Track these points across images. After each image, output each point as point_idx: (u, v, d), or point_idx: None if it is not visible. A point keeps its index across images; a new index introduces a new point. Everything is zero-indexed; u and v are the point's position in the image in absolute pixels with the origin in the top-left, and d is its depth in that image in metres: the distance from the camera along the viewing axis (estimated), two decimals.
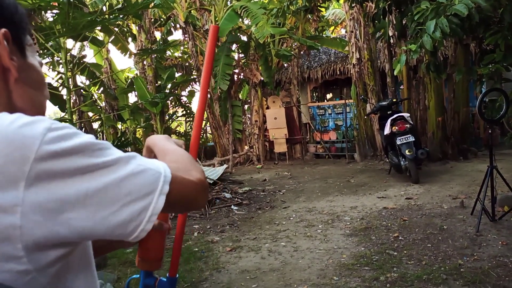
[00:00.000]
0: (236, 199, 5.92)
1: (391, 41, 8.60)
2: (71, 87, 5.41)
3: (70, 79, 5.83)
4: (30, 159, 0.50)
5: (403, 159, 6.09)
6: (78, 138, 0.55)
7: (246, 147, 11.52)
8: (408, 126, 6.13)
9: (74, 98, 10.81)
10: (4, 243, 0.50)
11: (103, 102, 12.45)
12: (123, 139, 5.36)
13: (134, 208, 0.56)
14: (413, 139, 5.98)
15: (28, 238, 0.51)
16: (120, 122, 12.63)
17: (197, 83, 12.91)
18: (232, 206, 5.56)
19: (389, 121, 6.31)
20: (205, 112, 12.54)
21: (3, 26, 0.60)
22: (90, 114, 12.43)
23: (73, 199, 0.52)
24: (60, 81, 7.40)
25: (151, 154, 0.83)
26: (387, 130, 6.34)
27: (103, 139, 13.11)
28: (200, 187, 0.65)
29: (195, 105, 16.00)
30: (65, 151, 0.52)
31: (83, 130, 11.99)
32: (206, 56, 0.92)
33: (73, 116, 5.57)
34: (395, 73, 5.56)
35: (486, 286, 2.59)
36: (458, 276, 2.78)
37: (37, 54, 0.71)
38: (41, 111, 0.68)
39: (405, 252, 3.33)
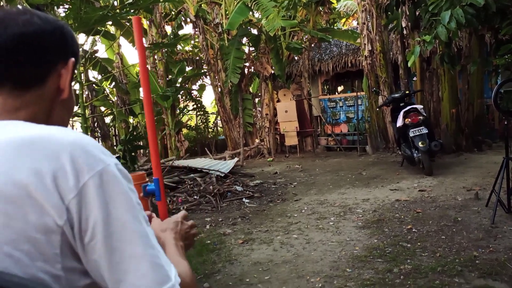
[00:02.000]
0: (248, 192, 5.93)
1: (404, 32, 8.47)
2: (83, 82, 5.46)
3: (82, 74, 5.88)
4: None
5: (416, 151, 6.02)
6: None
7: (257, 140, 11.52)
8: (421, 118, 6.05)
9: (86, 92, 10.91)
10: None
11: (115, 97, 12.55)
12: (135, 133, 5.39)
13: None
14: (427, 131, 5.91)
15: None
16: (131, 117, 12.72)
17: (208, 77, 12.91)
18: (244, 199, 5.57)
19: (402, 113, 6.23)
20: (216, 106, 12.57)
21: (73, 55, 0.73)
22: (102, 108, 12.54)
23: None
24: None
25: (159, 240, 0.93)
26: (399, 122, 6.27)
27: (115, 133, 13.24)
28: None
29: (205, 99, 16.01)
30: None
31: (95, 124, 12.14)
32: (137, 48, 1.01)
33: (86, 110, 5.63)
34: (409, 65, 5.47)
35: (502, 278, 2.56)
36: (473, 267, 2.75)
37: None
38: None
39: (419, 244, 3.31)
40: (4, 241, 0.55)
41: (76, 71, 0.80)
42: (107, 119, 13.15)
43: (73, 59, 0.72)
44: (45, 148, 0.59)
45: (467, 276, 2.65)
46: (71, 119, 0.78)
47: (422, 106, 6.55)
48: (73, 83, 0.83)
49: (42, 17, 0.68)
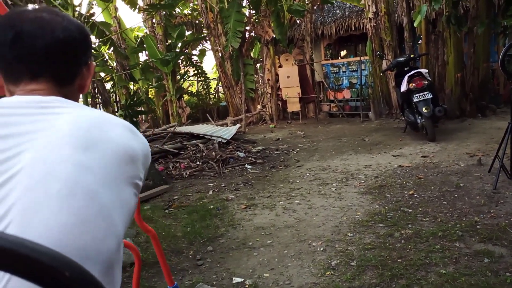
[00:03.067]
0: (250, 158, 5.94)
1: None
2: None
3: None
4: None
5: (420, 117, 5.95)
6: None
7: (259, 107, 11.43)
8: (426, 82, 5.94)
9: None
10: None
11: (114, 62, 12.35)
12: (135, 99, 5.33)
13: None
14: (431, 96, 5.81)
15: None
16: (132, 82, 12.58)
17: (208, 41, 12.63)
18: (246, 165, 5.58)
19: (406, 77, 6.12)
20: (217, 71, 12.38)
21: (92, 59, 0.87)
22: (102, 74, 12.37)
23: None
24: None
25: None
26: (403, 87, 6.16)
27: (116, 99, 13.14)
28: None
29: (206, 65, 15.78)
30: None
31: (95, 90, 12.01)
32: None
33: None
34: (414, 25, 5.30)
35: (502, 243, 2.58)
36: (474, 232, 2.77)
37: None
38: None
39: (420, 209, 3.33)
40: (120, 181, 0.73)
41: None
42: (108, 85, 13.02)
43: (94, 63, 0.87)
44: (141, 137, 0.82)
45: (468, 241, 2.68)
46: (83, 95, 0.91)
47: (427, 70, 6.42)
48: None
49: (74, 23, 0.81)
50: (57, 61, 0.78)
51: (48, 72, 0.78)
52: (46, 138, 0.69)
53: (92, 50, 0.91)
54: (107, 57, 12.57)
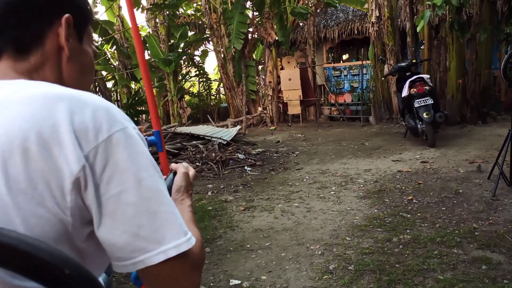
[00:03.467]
0: (250, 160, 5.94)
1: None
2: None
3: None
4: None
5: (420, 122, 5.96)
6: None
7: (260, 109, 11.44)
8: (427, 88, 5.95)
9: None
10: None
11: (116, 61, 12.37)
12: (136, 98, 5.34)
13: (136, 243, 0.59)
14: (432, 102, 5.82)
15: None
16: (133, 82, 12.59)
17: (210, 42, 12.65)
18: (246, 167, 5.59)
19: (407, 82, 6.12)
20: (219, 72, 12.39)
21: (69, 12, 0.70)
22: (104, 73, 12.39)
23: None
24: None
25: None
26: (405, 92, 6.17)
27: (117, 98, 13.16)
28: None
29: (208, 66, 15.82)
30: None
31: (97, 89, 12.03)
32: (132, 27, 0.99)
33: None
34: (417, 30, 5.30)
35: (500, 250, 2.58)
36: (472, 239, 2.77)
37: (94, 43, 0.82)
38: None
39: (419, 214, 3.33)
40: (22, 179, 0.56)
41: (92, 33, 0.81)
42: (109, 84, 13.03)
43: (67, 15, 0.69)
44: (71, 103, 0.59)
45: (466, 247, 2.68)
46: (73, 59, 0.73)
47: (428, 76, 6.43)
48: (90, 41, 0.79)
49: None
50: (5, 25, 0.66)
51: (6, 43, 0.67)
52: None
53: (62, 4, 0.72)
54: (109, 56, 12.59)
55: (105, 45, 11.48)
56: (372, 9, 8.76)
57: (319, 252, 2.79)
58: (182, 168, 0.94)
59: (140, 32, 13.72)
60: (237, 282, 2.48)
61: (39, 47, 0.68)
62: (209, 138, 6.75)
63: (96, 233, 0.60)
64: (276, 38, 10.34)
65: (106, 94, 12.19)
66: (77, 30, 0.73)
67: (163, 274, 0.61)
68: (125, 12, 11.37)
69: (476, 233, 2.87)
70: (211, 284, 2.49)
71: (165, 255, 0.59)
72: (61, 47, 0.70)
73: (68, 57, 0.71)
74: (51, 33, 0.68)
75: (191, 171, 0.96)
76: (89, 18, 0.77)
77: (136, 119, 5.30)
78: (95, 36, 11.15)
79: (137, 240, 0.59)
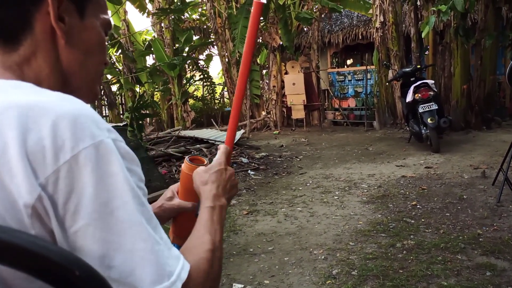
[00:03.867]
0: (253, 164, 5.95)
1: (418, 3, 8.20)
2: None
3: None
4: None
5: (424, 128, 5.95)
6: None
7: (264, 113, 11.46)
8: (432, 93, 5.94)
9: None
10: None
11: (121, 65, 12.45)
12: (141, 102, 5.37)
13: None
14: (436, 107, 5.81)
15: None
16: (138, 85, 12.66)
17: (215, 46, 12.71)
18: (249, 171, 5.59)
19: (412, 88, 6.12)
20: (223, 77, 12.44)
21: None
22: (109, 76, 12.47)
23: None
24: None
25: (191, 196, 0.81)
26: (409, 98, 6.16)
27: (121, 101, 13.22)
28: None
29: (212, 70, 15.86)
30: None
31: (102, 92, 12.10)
32: (248, 34, 0.82)
33: None
34: (422, 36, 5.30)
35: (505, 256, 2.57)
36: (476, 245, 2.76)
37: (106, 11, 0.66)
38: (89, 77, 0.64)
39: (422, 220, 3.32)
40: None
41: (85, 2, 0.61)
42: (114, 88, 13.10)
43: None
44: (26, 117, 0.48)
45: (470, 253, 2.66)
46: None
47: (433, 81, 6.42)
48: (98, 11, 0.64)
49: None
50: None
51: None
52: None
53: None
54: (114, 60, 12.68)
55: (111, 49, 11.55)
56: (377, 15, 8.78)
57: (322, 257, 2.78)
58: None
59: (145, 36, 13.72)
60: (240, 286, 2.48)
61: (27, 33, 0.56)
62: (213, 141, 6.77)
63: None
64: (281, 43, 10.38)
65: (110, 97, 12.25)
66: (77, 2, 0.59)
67: None
68: (130, 17, 11.44)
69: (480, 239, 2.86)
70: None
71: None
72: (54, 30, 0.57)
73: (66, 41, 0.58)
74: (38, 13, 0.56)
75: (230, 170, 0.81)
76: None
77: (140, 122, 5.33)
78: None
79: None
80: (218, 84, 15.75)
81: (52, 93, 0.54)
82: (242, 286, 2.48)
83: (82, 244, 0.50)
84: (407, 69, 6.70)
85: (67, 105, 0.51)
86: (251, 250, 3.01)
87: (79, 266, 0.49)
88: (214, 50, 14.25)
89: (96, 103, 11.23)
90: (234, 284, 2.51)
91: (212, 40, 12.62)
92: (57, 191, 0.48)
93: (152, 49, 11.40)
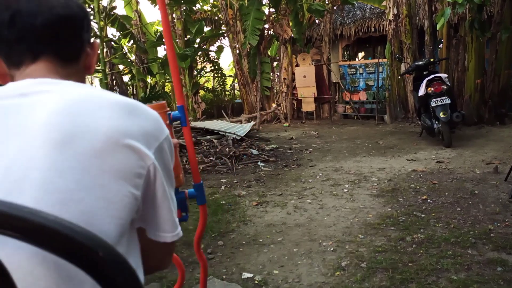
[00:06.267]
0: (263, 156, 5.96)
1: None
2: (103, 38, 5.43)
3: (102, 30, 5.83)
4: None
5: (437, 122, 5.89)
6: None
7: (274, 105, 11.44)
8: (445, 87, 5.86)
9: (105, 50, 10.89)
10: None
11: (133, 55, 12.50)
12: (153, 92, 5.41)
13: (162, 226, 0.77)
14: (449, 101, 5.74)
15: None
16: (149, 76, 12.71)
17: (226, 38, 12.68)
18: (259, 163, 5.61)
19: (424, 81, 6.05)
20: (234, 68, 12.41)
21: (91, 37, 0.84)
22: (121, 67, 12.53)
23: None
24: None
25: None
26: (422, 91, 6.10)
27: (133, 92, 13.30)
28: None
29: (223, 61, 15.86)
30: None
31: (113, 82, 12.17)
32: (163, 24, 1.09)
33: (105, 67, 5.64)
34: (437, 28, 5.22)
35: None
36: (487, 240, 2.75)
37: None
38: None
39: (433, 214, 3.30)
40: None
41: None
42: (125, 78, 13.17)
43: (98, 40, 0.85)
44: (143, 113, 0.73)
45: (481, 248, 2.65)
46: (90, 75, 0.86)
47: (446, 75, 6.34)
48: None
49: (74, 0, 0.78)
50: (58, 38, 0.74)
51: (50, 50, 0.74)
52: (16, 141, 0.63)
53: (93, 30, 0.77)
54: (126, 50, 12.72)
55: (123, 40, 11.60)
56: (390, 7, 8.66)
57: (332, 249, 2.80)
58: None
59: (157, 27, 13.73)
60: (249, 275, 2.51)
61: (75, 62, 0.78)
62: (223, 133, 6.79)
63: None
64: (292, 35, 10.31)
65: (122, 87, 12.33)
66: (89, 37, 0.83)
67: (165, 249, 0.81)
68: (142, 7, 11.45)
69: (491, 235, 2.84)
70: (224, 277, 2.53)
71: (177, 236, 0.78)
72: (87, 66, 0.81)
73: (88, 72, 0.83)
74: (84, 53, 0.80)
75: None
76: None
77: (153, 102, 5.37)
78: (113, 31, 11.28)
79: (163, 224, 0.76)
80: (228, 76, 15.73)
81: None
82: (252, 275, 2.51)
83: (148, 205, 0.73)
84: (420, 63, 6.62)
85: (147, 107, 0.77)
86: (261, 240, 3.04)
87: (103, 247, 0.51)
88: (225, 42, 14.24)
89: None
90: (243, 273, 2.54)
91: (223, 31, 12.59)
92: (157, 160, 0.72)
93: (163, 40, 11.41)
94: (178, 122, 1.17)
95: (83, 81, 0.80)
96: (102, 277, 0.51)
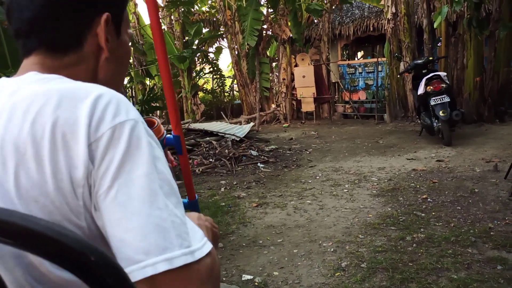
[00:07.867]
0: (263, 157, 5.96)
1: None
2: None
3: None
4: None
5: (436, 121, 5.88)
6: None
7: (273, 106, 11.44)
8: (444, 86, 5.86)
9: None
10: None
11: (132, 58, 12.51)
12: (151, 94, 5.40)
13: (122, 250, 0.54)
14: (448, 100, 5.73)
15: None
16: (148, 78, 12.72)
17: (225, 39, 12.69)
18: (258, 164, 5.61)
19: (424, 80, 6.04)
20: (233, 69, 12.42)
21: (107, 9, 0.68)
22: None
23: None
24: None
25: None
26: (421, 90, 6.09)
27: (132, 94, 13.30)
28: None
29: (222, 63, 15.87)
30: None
31: None
32: (152, 27, 0.96)
33: None
34: (435, 26, 5.21)
35: None
36: (487, 239, 2.74)
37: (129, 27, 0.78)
38: (118, 84, 0.76)
39: (433, 213, 3.30)
40: (32, 186, 0.56)
41: (127, 16, 0.76)
42: (124, 80, 13.17)
43: (106, 14, 0.67)
44: (78, 97, 0.57)
45: (481, 247, 2.65)
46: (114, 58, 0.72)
47: (445, 74, 6.33)
48: (126, 26, 0.76)
49: None
50: (45, 29, 0.65)
51: (40, 43, 0.66)
52: None
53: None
54: None
55: None
56: (388, 6, 8.67)
57: (332, 249, 2.79)
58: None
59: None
60: (249, 277, 2.51)
61: (76, 49, 0.67)
62: (223, 134, 6.79)
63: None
64: (290, 35, 10.31)
65: (121, 90, 12.33)
66: (115, 23, 0.70)
67: None
68: (140, 10, 11.46)
69: (491, 233, 2.83)
70: (224, 279, 2.52)
71: (154, 269, 0.52)
72: (101, 48, 0.68)
73: (107, 57, 0.69)
74: (90, 35, 0.67)
75: (207, 217, 0.89)
76: (125, 4, 0.74)
77: (150, 115, 5.37)
78: None
79: (123, 247, 0.53)
80: (227, 77, 15.74)
81: (87, 83, 0.63)
82: (252, 277, 2.51)
83: (102, 209, 0.55)
84: (419, 61, 6.61)
85: (105, 88, 0.61)
86: (261, 242, 3.03)
87: (94, 252, 0.50)
88: (224, 43, 14.24)
89: None
90: (243, 275, 2.54)
91: (222, 32, 12.60)
92: (95, 157, 0.55)
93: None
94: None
95: (95, 66, 0.69)
96: (94, 280, 0.50)
